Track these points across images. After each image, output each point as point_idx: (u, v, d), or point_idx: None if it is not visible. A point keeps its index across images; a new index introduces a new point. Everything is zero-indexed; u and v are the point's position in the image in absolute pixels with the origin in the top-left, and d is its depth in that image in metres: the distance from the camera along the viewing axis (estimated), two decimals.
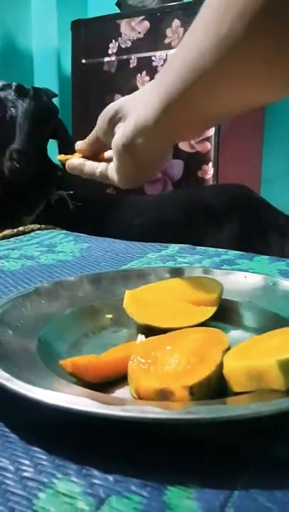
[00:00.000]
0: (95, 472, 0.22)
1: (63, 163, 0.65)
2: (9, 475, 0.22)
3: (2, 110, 1.03)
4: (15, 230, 0.85)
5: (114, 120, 0.49)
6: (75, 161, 0.57)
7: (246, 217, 1.07)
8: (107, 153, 0.55)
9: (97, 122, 0.52)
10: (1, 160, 1.03)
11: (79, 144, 0.57)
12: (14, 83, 1.07)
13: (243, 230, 1.05)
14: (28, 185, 1.08)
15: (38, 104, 1.06)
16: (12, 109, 1.03)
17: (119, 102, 0.49)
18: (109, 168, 0.52)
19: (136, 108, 0.46)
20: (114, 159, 0.50)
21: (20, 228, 0.86)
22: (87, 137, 0.56)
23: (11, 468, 0.23)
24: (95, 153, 0.56)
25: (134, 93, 0.48)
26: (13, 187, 1.07)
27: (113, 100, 0.52)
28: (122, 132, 0.47)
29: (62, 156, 0.71)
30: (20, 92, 1.05)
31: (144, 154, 0.47)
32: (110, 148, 0.50)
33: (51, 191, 1.11)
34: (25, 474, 0.22)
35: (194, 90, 0.38)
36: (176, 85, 0.39)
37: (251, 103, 0.40)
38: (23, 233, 0.84)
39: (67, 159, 0.61)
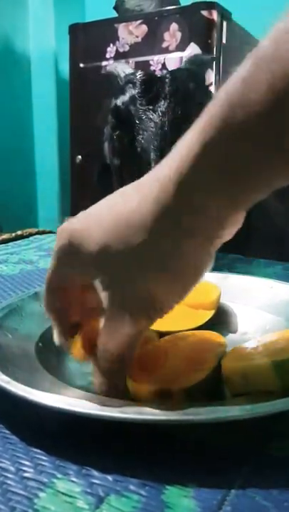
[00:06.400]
0: (94, 472, 0.23)
1: None
2: (10, 475, 0.23)
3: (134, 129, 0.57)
4: (13, 234, 0.85)
5: None
6: None
7: None
8: None
9: None
10: None
11: None
12: (127, 69, 0.61)
13: None
14: None
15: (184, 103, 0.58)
16: (148, 122, 0.56)
17: None
18: None
19: None
20: None
21: (19, 232, 0.86)
22: None
23: (12, 468, 0.23)
24: None
25: None
26: None
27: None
28: None
29: None
30: (148, 90, 0.57)
31: None
32: None
33: None
34: (26, 475, 0.23)
35: None
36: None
37: None
38: (22, 237, 0.85)
39: None
